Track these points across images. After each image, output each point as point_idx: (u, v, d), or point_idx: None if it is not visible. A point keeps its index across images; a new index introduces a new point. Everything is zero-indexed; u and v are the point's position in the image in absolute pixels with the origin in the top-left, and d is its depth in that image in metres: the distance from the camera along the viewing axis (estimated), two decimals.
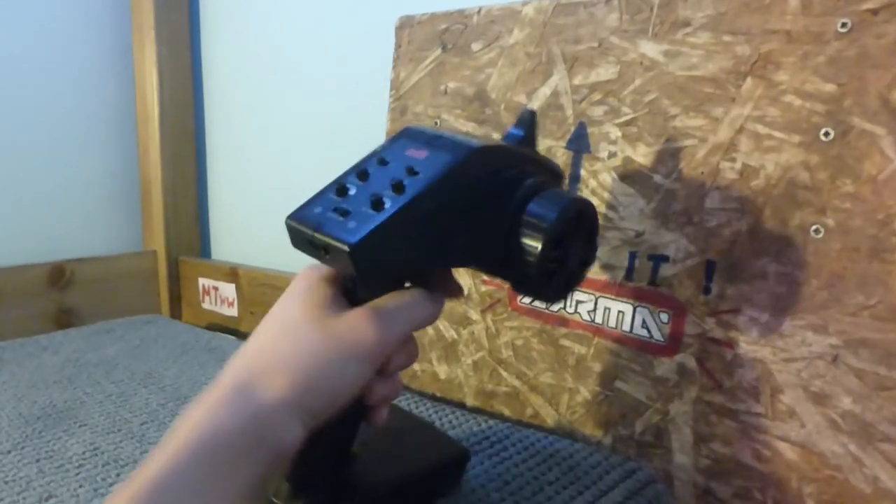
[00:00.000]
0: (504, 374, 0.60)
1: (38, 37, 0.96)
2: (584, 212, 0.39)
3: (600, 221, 0.53)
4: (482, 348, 0.62)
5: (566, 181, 0.41)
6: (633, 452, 0.52)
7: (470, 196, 0.35)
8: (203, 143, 1.10)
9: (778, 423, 0.46)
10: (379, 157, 0.35)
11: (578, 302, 0.55)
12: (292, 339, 0.33)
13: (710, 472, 0.48)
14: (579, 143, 0.55)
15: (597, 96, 0.54)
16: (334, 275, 0.36)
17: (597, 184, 0.54)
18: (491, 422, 0.53)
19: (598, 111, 0.54)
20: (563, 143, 0.56)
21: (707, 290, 0.49)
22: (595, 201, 0.54)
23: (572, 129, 0.55)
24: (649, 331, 0.51)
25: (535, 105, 0.58)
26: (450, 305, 0.64)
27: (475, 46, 0.62)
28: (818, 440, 0.44)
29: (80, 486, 0.44)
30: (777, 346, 0.46)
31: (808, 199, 0.45)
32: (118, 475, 0.45)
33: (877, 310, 0.42)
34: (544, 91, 0.57)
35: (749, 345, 0.47)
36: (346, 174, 0.35)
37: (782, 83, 0.45)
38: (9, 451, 0.49)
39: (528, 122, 0.40)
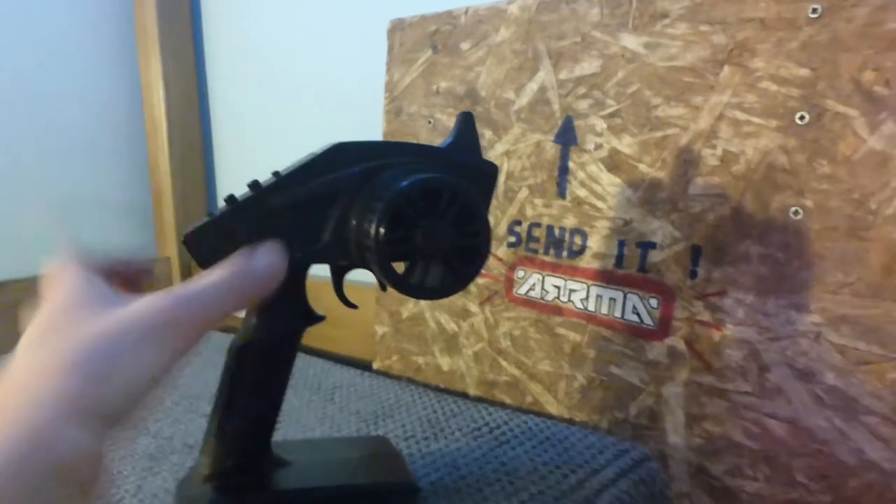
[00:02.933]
0: (504, 363, 0.62)
1: (48, 55, 0.99)
2: (440, 189, 0.34)
3: (590, 212, 0.55)
4: (482, 339, 0.63)
5: (495, 180, 0.39)
6: (629, 435, 0.53)
7: (322, 192, 0.35)
8: (211, 151, 1.13)
9: (766, 400, 0.47)
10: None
11: (572, 291, 0.57)
12: (67, 329, 0.26)
13: (702, 450, 0.50)
14: (567, 136, 0.57)
15: (582, 90, 0.56)
16: (105, 268, 0.33)
17: (585, 175, 0.56)
18: (491, 409, 0.55)
19: (583, 104, 0.55)
20: (551, 137, 0.58)
21: (694, 275, 0.50)
22: (584, 192, 0.56)
23: (559, 122, 0.57)
24: (640, 316, 0.53)
25: (523, 101, 0.59)
26: (450, 299, 0.66)
27: (464, 46, 0.63)
28: (805, 416, 0.45)
29: None
30: (762, 325, 0.47)
31: (787, 181, 0.46)
32: (133, 468, 0.47)
33: (856, 287, 0.43)
34: (531, 87, 0.59)
35: (735, 326, 0.48)
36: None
37: (758, 70, 0.47)
38: None
39: (461, 124, 0.38)
